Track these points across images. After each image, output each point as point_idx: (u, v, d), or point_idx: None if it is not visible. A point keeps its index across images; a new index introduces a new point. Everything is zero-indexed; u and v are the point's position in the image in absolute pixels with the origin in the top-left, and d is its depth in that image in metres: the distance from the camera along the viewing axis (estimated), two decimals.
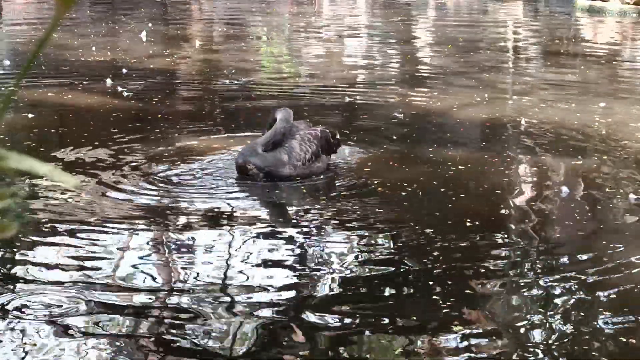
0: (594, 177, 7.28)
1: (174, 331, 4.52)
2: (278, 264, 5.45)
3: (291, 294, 5.03)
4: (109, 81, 10.72)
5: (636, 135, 8.61)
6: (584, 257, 5.59)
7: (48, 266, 5.25)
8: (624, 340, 4.51)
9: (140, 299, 4.88)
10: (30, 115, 8.80)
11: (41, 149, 7.68)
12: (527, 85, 11.49)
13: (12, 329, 4.45)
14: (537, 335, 4.56)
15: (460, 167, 7.41)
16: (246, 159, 6.87)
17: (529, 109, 9.76)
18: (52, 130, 8.38)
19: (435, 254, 5.55)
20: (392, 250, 5.65)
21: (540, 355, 4.34)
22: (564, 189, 6.87)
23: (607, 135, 8.63)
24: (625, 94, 10.85)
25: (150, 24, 16.72)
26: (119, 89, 10.38)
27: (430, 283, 5.13)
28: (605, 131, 8.76)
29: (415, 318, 4.71)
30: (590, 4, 20.06)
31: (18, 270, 5.20)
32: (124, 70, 11.55)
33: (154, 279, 5.20)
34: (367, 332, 4.56)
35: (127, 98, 10.03)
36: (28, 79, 10.67)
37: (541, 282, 5.17)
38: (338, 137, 7.47)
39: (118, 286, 5.02)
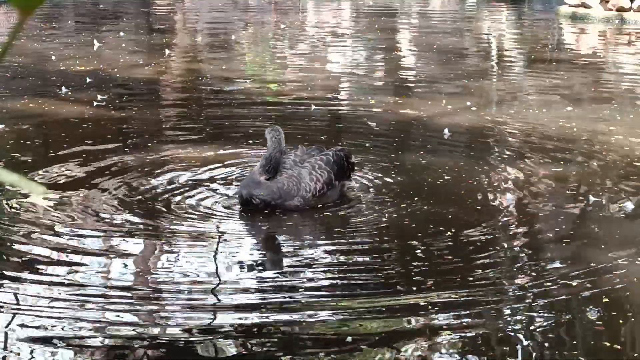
0: (578, 183, 7.26)
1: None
2: (262, 269, 5.38)
3: (276, 304, 4.93)
4: (64, 89, 10.61)
5: (619, 142, 8.59)
6: (570, 262, 5.56)
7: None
8: (609, 344, 4.50)
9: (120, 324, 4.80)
10: (0, 126, 8.74)
11: (13, 161, 7.60)
12: (511, 92, 11.47)
13: None
14: (523, 339, 4.53)
15: (444, 174, 7.37)
16: (251, 192, 6.34)
17: (512, 116, 9.74)
18: (28, 142, 8.28)
19: (419, 263, 5.49)
20: (376, 259, 5.58)
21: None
22: (549, 195, 6.86)
23: (590, 141, 8.61)
24: (608, 100, 10.83)
25: (121, 33, 16.66)
26: (98, 97, 10.28)
27: (415, 290, 5.09)
28: (587, 137, 8.74)
29: (405, 325, 4.66)
30: (574, 10, 20.10)
31: None
32: (88, 80, 11.39)
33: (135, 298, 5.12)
34: (348, 339, 4.51)
35: (106, 108, 9.93)
36: (5, 89, 10.60)
37: (527, 288, 5.14)
38: (353, 160, 6.95)
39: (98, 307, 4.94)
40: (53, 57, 13.30)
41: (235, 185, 6.98)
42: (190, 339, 4.51)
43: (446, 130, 8.79)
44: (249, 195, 6.37)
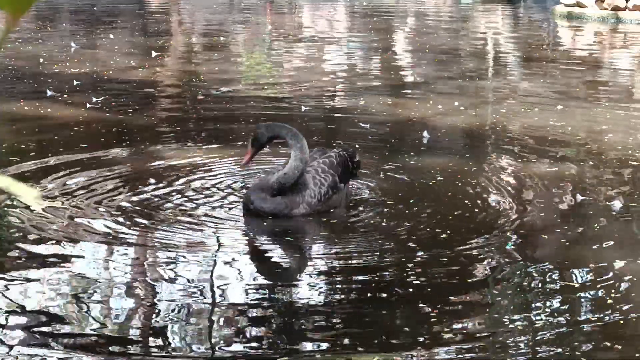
0: (574, 183, 7.25)
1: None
2: (263, 275, 5.38)
3: (273, 310, 4.91)
4: (49, 92, 10.55)
5: (614, 141, 8.59)
6: (568, 262, 5.56)
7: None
8: (609, 344, 4.50)
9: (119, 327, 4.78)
10: None
11: (8, 164, 7.57)
12: (507, 92, 11.47)
13: None
14: (522, 341, 4.53)
15: (440, 175, 7.36)
16: (257, 206, 6.15)
17: (508, 116, 9.74)
18: (22, 145, 8.25)
19: (415, 264, 5.48)
20: (374, 262, 5.55)
21: None
22: (545, 195, 6.86)
23: (585, 141, 8.61)
24: (603, 99, 10.83)
25: (111, 35, 16.61)
26: (93, 100, 10.23)
27: (412, 292, 5.07)
28: (583, 137, 8.74)
29: (406, 329, 4.66)
30: (569, 10, 20.10)
31: None
32: (83, 82, 11.34)
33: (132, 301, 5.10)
34: (345, 341, 4.50)
35: (100, 110, 9.89)
36: None
37: (526, 289, 5.15)
38: (357, 158, 6.73)
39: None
40: (48, 60, 13.26)
41: (231, 186, 6.96)
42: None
43: (425, 133, 8.73)
44: (255, 209, 6.17)
